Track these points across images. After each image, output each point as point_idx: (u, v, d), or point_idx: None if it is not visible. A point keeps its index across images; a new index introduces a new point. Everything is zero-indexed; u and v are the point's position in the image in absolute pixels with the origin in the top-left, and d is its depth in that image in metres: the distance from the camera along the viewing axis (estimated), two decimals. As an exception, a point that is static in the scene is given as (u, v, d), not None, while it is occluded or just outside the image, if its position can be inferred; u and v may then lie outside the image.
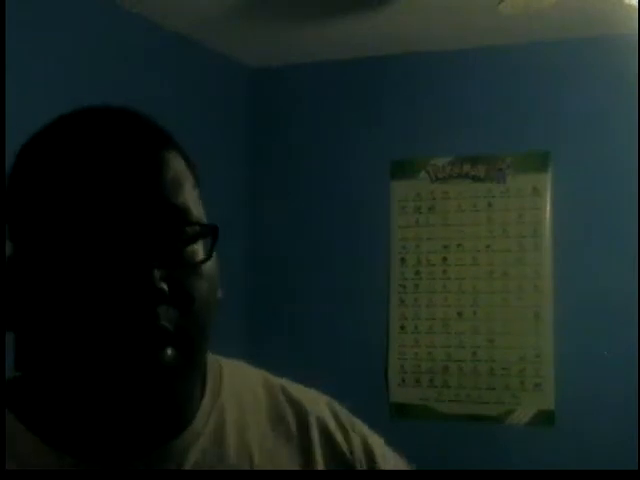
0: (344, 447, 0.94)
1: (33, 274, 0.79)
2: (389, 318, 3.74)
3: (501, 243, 3.62)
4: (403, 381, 3.70)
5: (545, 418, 3.52)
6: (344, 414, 0.98)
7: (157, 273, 0.76)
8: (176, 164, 0.82)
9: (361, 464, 0.94)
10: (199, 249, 0.82)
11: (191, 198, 0.82)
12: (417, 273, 3.72)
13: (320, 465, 0.92)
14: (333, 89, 3.91)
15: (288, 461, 0.91)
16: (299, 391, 0.97)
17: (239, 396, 0.92)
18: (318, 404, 0.97)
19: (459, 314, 3.65)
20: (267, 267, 3.93)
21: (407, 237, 3.74)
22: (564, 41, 3.53)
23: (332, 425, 0.95)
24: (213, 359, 0.93)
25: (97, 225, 0.77)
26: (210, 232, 0.83)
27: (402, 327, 3.72)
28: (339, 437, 0.94)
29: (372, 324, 3.71)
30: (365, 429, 0.98)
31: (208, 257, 0.82)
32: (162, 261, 0.78)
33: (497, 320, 3.60)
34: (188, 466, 0.85)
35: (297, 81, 3.97)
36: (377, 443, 0.98)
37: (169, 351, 0.77)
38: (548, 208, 3.58)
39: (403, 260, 3.74)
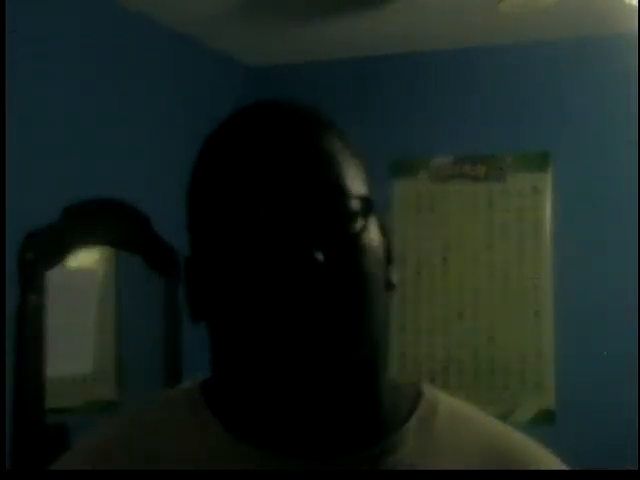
0: None
1: (208, 270, 0.80)
2: (389, 318, 3.73)
3: (501, 243, 3.62)
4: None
5: (545, 418, 3.52)
6: None
7: (317, 253, 0.75)
8: (325, 143, 0.81)
9: None
10: (368, 225, 0.82)
11: (347, 174, 0.81)
12: (417, 273, 3.72)
13: None
14: (333, 89, 3.91)
15: None
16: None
17: (454, 441, 0.88)
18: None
19: (459, 314, 3.64)
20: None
21: (407, 237, 3.74)
22: (564, 41, 3.53)
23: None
24: (430, 391, 0.90)
25: (253, 216, 0.77)
26: (366, 205, 0.81)
27: (402, 327, 3.72)
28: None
29: (372, 324, 3.70)
30: None
31: (362, 229, 0.81)
32: (320, 240, 0.77)
33: (497, 320, 3.60)
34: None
35: (297, 81, 3.96)
36: None
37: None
38: (548, 208, 3.57)
39: (403, 260, 3.74)
